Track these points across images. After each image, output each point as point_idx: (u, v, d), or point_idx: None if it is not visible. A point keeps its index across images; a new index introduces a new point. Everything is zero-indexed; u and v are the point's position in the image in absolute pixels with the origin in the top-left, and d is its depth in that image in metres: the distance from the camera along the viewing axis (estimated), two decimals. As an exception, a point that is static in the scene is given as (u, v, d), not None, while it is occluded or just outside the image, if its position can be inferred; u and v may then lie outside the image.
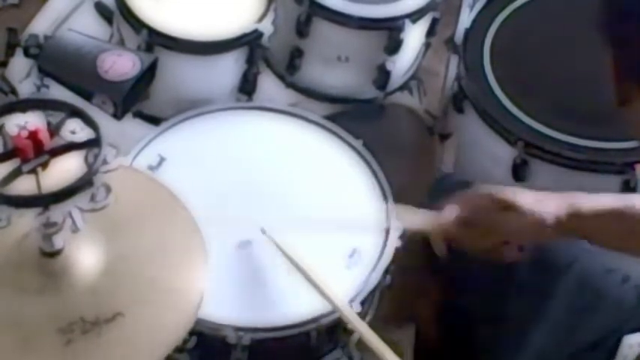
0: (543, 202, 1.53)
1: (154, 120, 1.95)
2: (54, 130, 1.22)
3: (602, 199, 1.54)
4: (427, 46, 2.14)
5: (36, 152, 1.19)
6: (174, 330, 1.31)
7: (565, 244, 1.72)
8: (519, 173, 1.88)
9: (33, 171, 1.20)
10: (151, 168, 1.77)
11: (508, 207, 1.54)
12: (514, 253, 1.56)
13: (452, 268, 1.71)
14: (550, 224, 1.52)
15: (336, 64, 2.03)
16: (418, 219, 1.66)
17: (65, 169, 1.21)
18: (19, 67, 2.05)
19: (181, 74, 1.94)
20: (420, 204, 1.93)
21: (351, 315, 1.56)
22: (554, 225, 1.52)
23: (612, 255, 1.68)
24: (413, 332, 1.97)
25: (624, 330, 1.58)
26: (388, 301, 1.76)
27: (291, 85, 2.09)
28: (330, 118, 1.93)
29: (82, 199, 1.20)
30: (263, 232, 1.65)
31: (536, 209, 1.52)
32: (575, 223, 1.53)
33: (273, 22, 1.97)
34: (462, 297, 1.74)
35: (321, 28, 1.98)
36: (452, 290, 1.77)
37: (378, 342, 1.50)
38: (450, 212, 1.57)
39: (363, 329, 1.54)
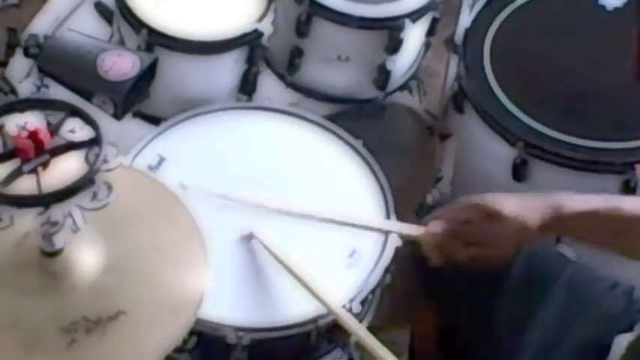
0: (527, 206, 1.54)
1: (154, 120, 1.95)
2: (54, 129, 1.22)
3: (588, 201, 1.55)
4: (427, 46, 2.15)
5: (36, 152, 1.19)
6: (176, 327, 1.31)
7: (553, 255, 1.72)
8: (519, 173, 1.88)
9: (34, 171, 1.20)
10: (151, 168, 1.76)
11: (491, 216, 1.54)
12: (496, 259, 1.57)
13: (443, 287, 1.72)
14: (533, 228, 1.53)
15: (336, 64, 2.03)
16: (407, 230, 1.67)
17: (66, 168, 1.21)
18: (19, 67, 2.05)
19: (181, 74, 1.94)
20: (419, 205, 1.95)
21: (346, 317, 1.56)
22: (538, 228, 1.53)
23: (601, 264, 1.68)
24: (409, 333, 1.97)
25: (614, 333, 1.58)
26: (386, 302, 1.77)
27: (291, 85, 2.09)
28: (330, 118, 1.93)
29: (83, 198, 1.20)
30: (252, 237, 1.66)
31: (520, 216, 1.53)
32: (560, 225, 1.54)
33: (273, 22, 1.97)
34: (454, 315, 1.75)
35: (321, 28, 1.98)
36: (445, 310, 1.78)
37: (375, 343, 1.50)
38: (436, 225, 1.58)
39: (359, 331, 1.55)
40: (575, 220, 1.53)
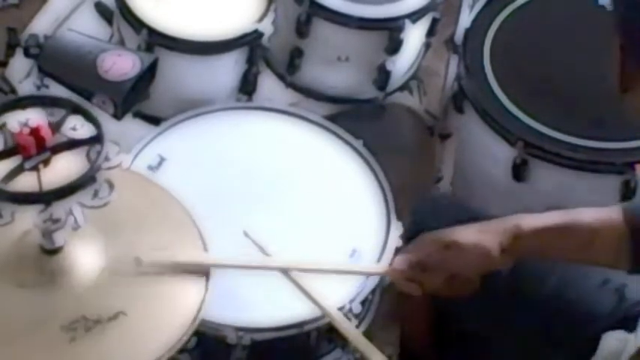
0: (486, 232, 1.54)
1: (154, 120, 1.95)
2: (55, 127, 1.22)
3: (546, 218, 1.54)
4: (427, 46, 2.15)
5: (38, 149, 1.20)
6: (177, 327, 1.31)
7: None
8: (519, 173, 1.88)
9: (35, 168, 1.20)
10: (151, 168, 1.76)
11: (449, 246, 1.55)
12: (466, 286, 1.57)
13: None
14: (494, 252, 1.53)
15: (336, 64, 2.03)
16: (375, 270, 1.67)
17: (67, 165, 1.21)
18: (19, 67, 2.05)
19: (181, 74, 1.94)
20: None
21: (340, 318, 1.56)
22: (499, 252, 1.53)
23: None
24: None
25: (602, 330, 1.58)
26: (388, 301, 1.77)
27: (291, 85, 2.09)
28: (330, 118, 1.93)
29: (85, 196, 1.20)
30: (246, 235, 1.65)
31: (477, 241, 1.53)
32: (520, 245, 1.53)
33: (273, 22, 1.97)
34: (452, 313, 1.75)
35: (321, 28, 1.99)
36: (441, 307, 1.79)
37: (369, 347, 1.51)
38: (400, 262, 1.59)
39: (353, 335, 1.55)
40: (534, 238, 1.53)
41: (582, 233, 1.53)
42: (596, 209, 1.57)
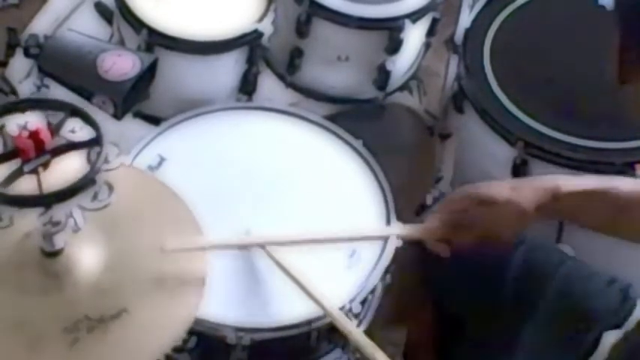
0: (520, 189, 1.55)
1: (154, 120, 1.95)
2: (54, 129, 1.22)
3: (585, 181, 1.56)
4: (427, 46, 2.14)
5: (37, 152, 1.20)
6: (178, 323, 1.31)
7: (551, 251, 1.72)
8: (519, 173, 1.88)
9: (34, 171, 1.20)
10: (151, 168, 1.76)
11: (484, 202, 1.55)
12: (498, 245, 1.57)
13: (442, 278, 1.72)
14: (529, 210, 1.53)
15: (336, 64, 2.03)
16: (407, 231, 1.67)
17: (67, 168, 1.21)
18: (19, 67, 2.05)
19: (181, 74, 1.94)
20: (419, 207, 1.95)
21: (342, 319, 1.56)
22: (534, 210, 1.53)
23: (599, 260, 1.69)
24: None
25: (603, 328, 1.59)
26: (388, 302, 1.77)
27: (291, 85, 2.09)
28: (330, 118, 1.93)
29: (84, 198, 1.20)
30: (248, 234, 1.66)
31: (513, 199, 1.54)
32: (557, 205, 1.54)
33: (273, 22, 1.97)
34: (452, 307, 1.75)
35: (321, 28, 1.98)
36: (443, 301, 1.79)
37: (372, 346, 1.51)
38: (434, 220, 1.59)
39: (355, 334, 1.55)
40: (572, 200, 1.53)
41: (615, 201, 1.53)
42: (635, 180, 1.57)
